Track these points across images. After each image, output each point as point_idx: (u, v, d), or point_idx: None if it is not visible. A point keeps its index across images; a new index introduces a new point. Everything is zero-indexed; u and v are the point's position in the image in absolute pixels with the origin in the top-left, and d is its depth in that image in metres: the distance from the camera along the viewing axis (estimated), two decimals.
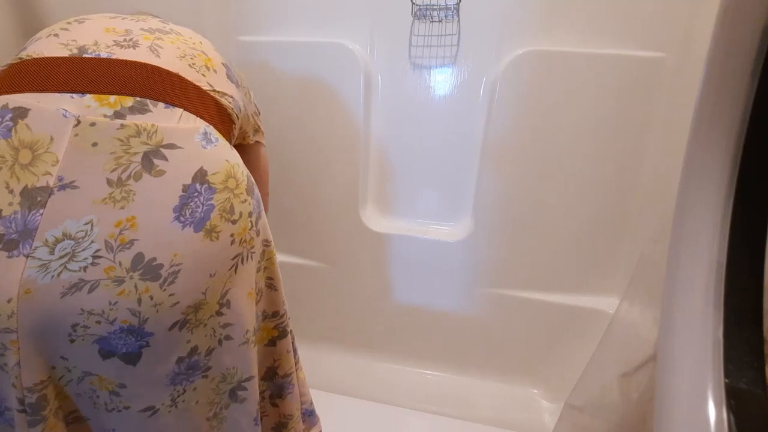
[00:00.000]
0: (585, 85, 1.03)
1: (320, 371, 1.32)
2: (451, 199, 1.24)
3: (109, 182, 0.40)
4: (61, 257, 0.38)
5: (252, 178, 0.53)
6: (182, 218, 0.41)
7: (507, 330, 1.24)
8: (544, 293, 1.19)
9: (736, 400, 0.36)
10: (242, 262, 0.48)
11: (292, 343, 0.64)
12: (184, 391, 0.47)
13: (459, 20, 1.07)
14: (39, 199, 0.38)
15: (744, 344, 0.39)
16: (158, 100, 0.46)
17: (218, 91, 0.54)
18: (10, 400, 0.41)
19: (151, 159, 0.42)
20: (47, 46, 0.48)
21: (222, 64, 0.58)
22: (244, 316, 0.49)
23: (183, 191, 0.42)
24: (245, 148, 0.69)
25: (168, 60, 0.50)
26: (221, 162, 0.47)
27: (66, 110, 0.42)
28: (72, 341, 0.39)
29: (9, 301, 0.37)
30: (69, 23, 0.52)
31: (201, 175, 0.44)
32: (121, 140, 0.42)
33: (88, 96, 0.44)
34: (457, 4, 1.05)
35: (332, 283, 1.33)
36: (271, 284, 0.59)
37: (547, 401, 1.20)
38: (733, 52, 0.38)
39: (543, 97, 1.05)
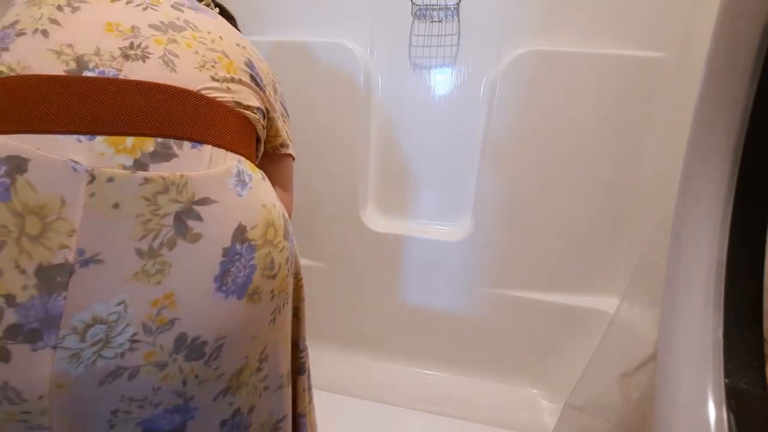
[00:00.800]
0: (585, 85, 1.03)
1: (320, 371, 1.32)
2: (451, 199, 1.24)
3: (139, 253, 0.34)
4: (93, 344, 0.33)
5: (286, 215, 0.48)
6: (224, 288, 0.37)
7: (507, 330, 1.24)
8: (544, 293, 1.19)
9: (736, 400, 0.36)
10: (279, 313, 0.45)
11: (308, 380, 0.59)
12: None
13: (459, 20, 1.07)
14: (59, 279, 0.32)
15: (744, 344, 0.39)
16: (183, 138, 0.38)
17: (244, 105, 0.46)
18: None
19: (184, 221, 0.36)
20: (34, 51, 0.37)
21: (245, 64, 0.48)
22: (280, 363, 0.48)
23: (223, 256, 0.37)
24: (270, 158, 0.58)
25: (186, 74, 0.41)
26: (258, 210, 0.41)
27: (75, 161, 0.34)
28: (112, 426, 0.36)
29: (40, 398, 0.32)
30: (60, 9, 0.40)
31: (240, 233, 0.39)
32: (147, 199, 0.35)
33: (99, 139, 0.35)
34: (457, 4, 1.05)
35: (332, 283, 1.33)
36: (296, 314, 0.54)
37: (547, 401, 1.20)
38: (733, 52, 0.38)
39: (543, 97, 1.05)
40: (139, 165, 0.35)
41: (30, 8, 0.40)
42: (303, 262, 1.18)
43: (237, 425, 0.43)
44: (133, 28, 0.42)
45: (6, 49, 0.37)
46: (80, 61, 0.38)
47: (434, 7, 1.06)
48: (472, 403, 1.21)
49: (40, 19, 0.40)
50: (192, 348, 0.36)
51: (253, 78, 0.49)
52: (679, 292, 0.43)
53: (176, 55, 0.42)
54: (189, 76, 0.41)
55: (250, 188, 0.42)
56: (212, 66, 0.44)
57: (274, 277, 0.42)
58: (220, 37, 0.47)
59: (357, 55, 1.12)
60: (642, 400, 0.60)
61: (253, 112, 0.48)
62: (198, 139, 0.39)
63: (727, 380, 0.37)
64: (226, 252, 0.37)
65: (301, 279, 0.53)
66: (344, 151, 1.20)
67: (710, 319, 0.40)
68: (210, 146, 0.40)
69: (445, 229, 1.25)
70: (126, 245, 0.34)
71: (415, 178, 1.24)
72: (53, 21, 0.40)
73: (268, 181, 0.47)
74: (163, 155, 0.37)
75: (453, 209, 1.24)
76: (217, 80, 0.44)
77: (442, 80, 1.13)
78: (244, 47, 0.50)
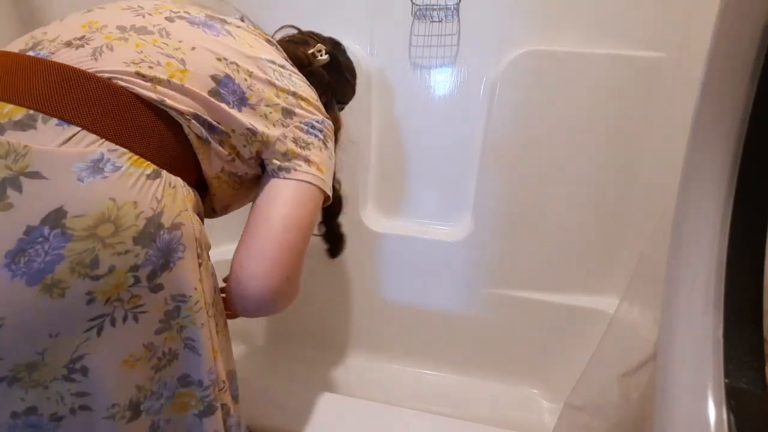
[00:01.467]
0: (585, 85, 1.03)
1: (320, 371, 1.32)
2: (451, 199, 1.24)
3: None
4: None
5: (165, 222, 0.42)
6: (14, 266, 0.35)
7: (507, 330, 1.24)
8: (544, 293, 1.19)
9: (736, 400, 0.36)
10: (112, 324, 0.40)
11: (225, 421, 0.53)
12: None
13: (459, 20, 1.07)
14: None
15: (744, 344, 0.39)
16: (53, 114, 0.39)
17: (167, 104, 0.44)
18: None
19: (5, 188, 0.35)
20: (24, 36, 0.46)
21: (211, 77, 0.48)
22: (111, 389, 0.42)
23: (24, 234, 0.35)
24: (263, 180, 0.55)
25: (107, 63, 0.43)
26: (98, 201, 0.38)
27: None
28: None
29: None
30: (79, 11, 0.49)
31: (56, 217, 0.36)
32: None
33: None
34: (457, 4, 1.05)
35: (332, 283, 1.33)
36: (193, 346, 0.47)
37: (547, 401, 1.20)
38: (733, 52, 0.38)
39: (543, 97, 1.05)
40: (0, 129, 0.37)
41: (77, 11, 0.50)
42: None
43: (33, 425, 0.41)
44: (102, 26, 0.46)
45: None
46: (36, 44, 0.44)
47: (434, 7, 1.06)
48: (472, 403, 1.21)
49: (61, 16, 0.48)
50: None
51: (214, 92, 0.48)
52: (679, 292, 0.43)
53: (111, 49, 0.44)
54: (109, 65, 0.43)
55: (103, 177, 0.39)
56: (149, 66, 0.44)
57: (95, 278, 0.38)
58: (192, 48, 0.48)
59: (357, 55, 1.12)
60: (642, 400, 0.60)
61: (181, 114, 0.46)
62: (68, 119, 0.39)
63: (727, 380, 0.37)
64: (29, 231, 0.35)
65: (197, 303, 0.46)
66: (344, 150, 1.20)
67: (710, 319, 0.40)
68: (79, 128, 0.39)
69: (445, 229, 1.25)
70: None
71: (415, 178, 1.24)
72: (62, 19, 0.47)
73: (162, 185, 0.43)
74: (23, 125, 0.38)
75: (453, 209, 1.24)
76: (143, 77, 0.44)
77: (442, 80, 1.13)
78: (232, 63, 0.50)
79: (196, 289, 0.45)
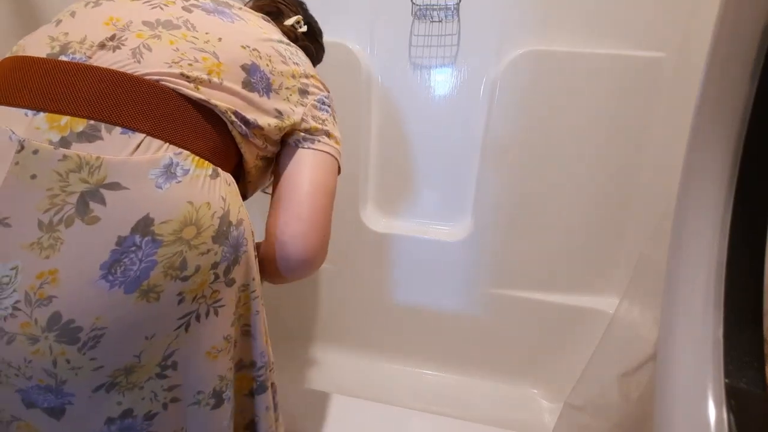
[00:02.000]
0: (585, 85, 1.03)
1: (320, 371, 1.32)
2: (451, 199, 1.24)
3: (39, 225, 0.35)
4: None
5: (233, 219, 0.44)
6: (111, 277, 0.36)
7: (507, 330, 1.24)
8: (544, 293, 1.19)
9: (736, 400, 0.36)
10: (197, 320, 0.43)
11: (273, 398, 0.57)
12: None
13: (459, 20, 1.07)
14: None
15: (744, 344, 0.39)
16: (115, 123, 0.39)
17: (214, 105, 0.45)
18: None
19: (87, 202, 0.36)
20: (38, 36, 0.44)
21: (242, 67, 0.48)
22: (197, 378, 0.45)
23: (117, 245, 0.36)
24: (286, 152, 0.56)
25: (150, 65, 0.43)
26: (178, 205, 0.39)
27: (13, 132, 0.37)
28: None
29: None
30: (87, 4, 0.47)
31: (145, 225, 0.37)
32: (60, 175, 0.36)
33: (42, 115, 0.38)
34: (457, 4, 1.05)
35: (332, 283, 1.33)
36: (247, 331, 0.52)
37: (547, 401, 1.20)
38: (733, 52, 0.38)
39: (543, 97, 1.05)
40: (64, 142, 0.37)
41: (77, 3, 0.48)
42: None
43: (128, 427, 0.42)
44: (127, 23, 0.45)
45: (29, 34, 0.44)
46: (64, 47, 0.42)
47: (434, 7, 1.06)
48: (472, 403, 1.21)
49: (67, 10, 0.46)
50: (65, 330, 0.36)
51: (246, 82, 0.49)
52: (679, 292, 0.43)
53: (149, 49, 0.43)
54: (151, 68, 0.43)
55: (178, 182, 0.40)
56: (189, 64, 0.44)
57: (185, 279, 0.40)
58: (219, 39, 0.48)
59: (357, 55, 1.12)
60: (642, 400, 0.60)
61: (230, 114, 0.47)
62: (131, 127, 0.40)
63: (727, 380, 0.37)
64: (121, 241, 0.36)
65: (253, 292, 0.49)
66: (344, 150, 1.20)
67: (710, 319, 0.40)
68: (144, 135, 0.40)
69: (445, 229, 1.25)
70: (31, 215, 0.35)
71: (415, 178, 1.24)
72: (72, 13, 0.46)
73: (222, 183, 0.44)
74: (88, 136, 0.38)
75: (453, 209, 1.24)
76: (186, 77, 0.44)
77: (442, 80, 1.13)
78: (254, 50, 0.51)
79: (254, 279, 0.49)
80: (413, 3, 1.06)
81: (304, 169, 0.55)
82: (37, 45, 0.43)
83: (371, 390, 1.25)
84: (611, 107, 1.04)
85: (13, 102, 0.39)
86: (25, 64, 0.41)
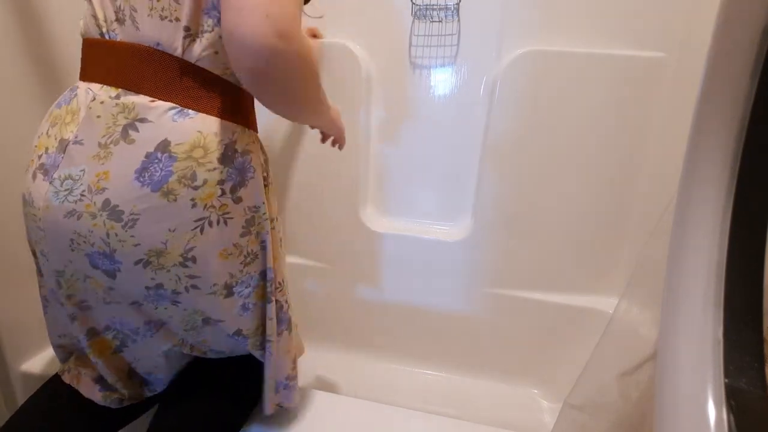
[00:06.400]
0: (585, 85, 1.03)
1: (320, 371, 1.32)
2: (451, 199, 1.24)
3: (99, 145, 0.52)
4: (65, 190, 0.52)
5: (239, 149, 0.56)
6: (142, 179, 0.51)
7: (507, 330, 1.24)
8: (544, 293, 1.19)
9: (736, 400, 0.36)
10: (210, 226, 0.55)
11: (278, 313, 0.68)
12: (156, 307, 0.59)
13: (459, 20, 1.07)
14: (64, 146, 0.54)
15: (744, 344, 0.39)
16: (138, 91, 0.54)
17: (193, 59, 0.53)
18: (47, 279, 0.60)
19: (127, 130, 0.52)
20: (86, 16, 0.57)
21: None
22: (213, 272, 0.57)
23: (145, 157, 0.51)
24: None
25: (144, 29, 0.53)
26: (190, 133, 0.53)
27: (90, 90, 0.56)
28: (72, 250, 0.54)
29: (39, 209, 0.54)
30: None
31: (164, 145, 0.52)
32: (113, 115, 0.53)
33: (107, 87, 0.55)
34: (457, 4, 1.05)
35: (332, 283, 1.33)
36: (264, 246, 0.63)
37: (547, 401, 1.20)
38: (733, 52, 0.38)
39: (543, 97, 1.06)
40: (116, 97, 0.54)
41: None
42: (303, 261, 1.18)
43: (161, 296, 0.57)
44: None
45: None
46: (105, 26, 0.55)
47: (434, 7, 1.06)
48: (472, 403, 1.21)
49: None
50: (113, 211, 0.51)
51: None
52: (679, 292, 0.43)
53: (135, 10, 0.53)
54: (146, 30, 0.53)
55: (190, 118, 0.53)
56: (162, 9, 0.52)
57: (195, 188, 0.53)
58: None
59: (357, 55, 1.12)
60: (642, 400, 0.60)
61: (207, 54, 0.53)
62: (147, 94, 0.54)
63: (727, 380, 0.37)
64: (148, 155, 0.51)
65: (264, 214, 0.61)
66: (344, 150, 1.20)
67: (710, 319, 0.40)
68: (160, 101, 0.53)
69: (445, 229, 1.25)
70: (96, 139, 0.52)
71: (415, 177, 1.24)
72: None
73: (231, 125, 0.56)
74: (126, 93, 0.54)
75: (453, 209, 1.24)
76: (167, 19, 0.52)
77: (442, 80, 1.13)
78: None
79: (263, 203, 0.61)
80: (413, 3, 1.06)
81: None
82: (88, 26, 0.57)
83: (371, 390, 1.25)
84: (611, 107, 1.04)
85: (91, 79, 0.56)
86: (90, 46, 0.57)
